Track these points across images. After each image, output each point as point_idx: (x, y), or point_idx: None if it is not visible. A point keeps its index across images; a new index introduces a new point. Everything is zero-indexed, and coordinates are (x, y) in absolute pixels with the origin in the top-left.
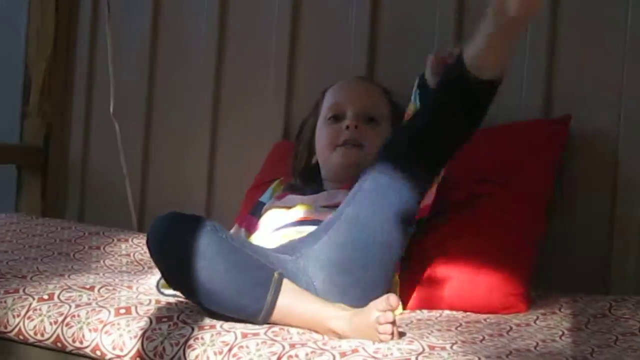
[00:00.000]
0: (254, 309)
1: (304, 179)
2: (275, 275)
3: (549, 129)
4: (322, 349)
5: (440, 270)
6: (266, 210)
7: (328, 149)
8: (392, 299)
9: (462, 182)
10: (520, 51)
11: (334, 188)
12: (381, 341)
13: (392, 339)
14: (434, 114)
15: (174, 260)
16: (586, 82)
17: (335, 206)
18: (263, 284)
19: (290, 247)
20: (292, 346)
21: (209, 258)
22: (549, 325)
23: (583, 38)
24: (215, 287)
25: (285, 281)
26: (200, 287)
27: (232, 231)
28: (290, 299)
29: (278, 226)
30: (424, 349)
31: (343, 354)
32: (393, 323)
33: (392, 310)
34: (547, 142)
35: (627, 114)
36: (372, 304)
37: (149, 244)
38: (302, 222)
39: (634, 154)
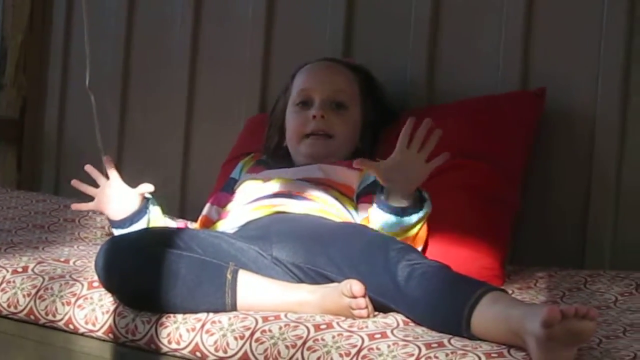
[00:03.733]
0: (218, 311)
1: (275, 159)
2: (229, 276)
3: (524, 101)
4: (296, 322)
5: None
6: (241, 182)
7: (296, 138)
8: (355, 286)
9: (436, 154)
10: (497, 25)
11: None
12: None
13: (368, 317)
14: None
15: (128, 287)
16: (563, 57)
17: (312, 180)
18: (218, 289)
19: (262, 234)
20: (265, 320)
21: (163, 280)
22: (524, 300)
23: (560, 13)
24: (176, 304)
25: (241, 277)
26: (163, 307)
27: (203, 212)
28: (251, 295)
29: (252, 198)
30: (398, 324)
31: (317, 327)
32: (366, 306)
33: (359, 297)
34: (522, 114)
35: (603, 89)
36: (339, 288)
37: (97, 270)
38: (277, 195)
39: (610, 129)
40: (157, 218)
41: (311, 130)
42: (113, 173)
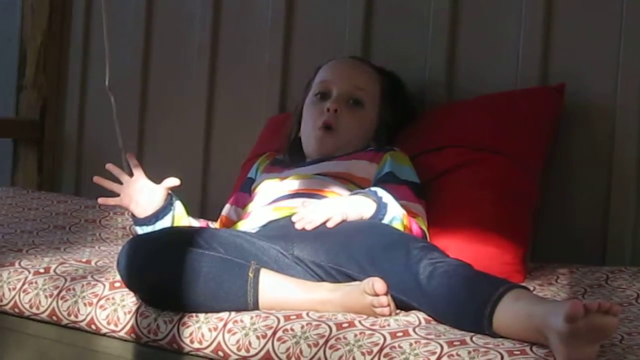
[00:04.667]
0: (240, 310)
1: (291, 151)
2: (250, 275)
3: (544, 97)
4: (318, 320)
5: (435, 240)
6: (260, 182)
7: (308, 129)
8: (378, 284)
9: (456, 149)
10: (517, 21)
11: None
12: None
13: (390, 315)
14: None
15: (150, 286)
16: (583, 52)
17: (330, 174)
18: (240, 288)
19: (284, 234)
20: (287, 318)
21: (185, 279)
22: (546, 296)
23: (580, 8)
24: (198, 303)
25: (263, 276)
26: (185, 306)
27: (223, 212)
28: (272, 294)
29: (272, 199)
30: (420, 322)
31: (339, 326)
32: (389, 304)
33: (381, 295)
34: (542, 109)
35: (623, 83)
36: (361, 286)
37: (119, 270)
38: (295, 195)
39: (631, 124)
40: (181, 215)
41: (322, 122)
42: (137, 169)
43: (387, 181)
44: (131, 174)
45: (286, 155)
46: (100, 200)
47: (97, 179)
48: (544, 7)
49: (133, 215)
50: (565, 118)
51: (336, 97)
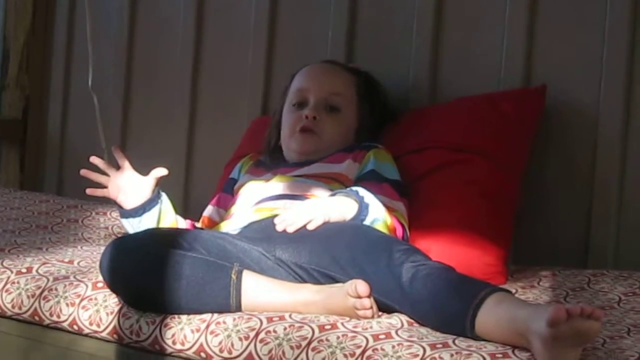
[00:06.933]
0: (222, 312)
1: (272, 158)
2: (233, 277)
3: (525, 98)
4: (300, 322)
5: (417, 241)
6: (243, 184)
7: (288, 135)
8: (361, 286)
9: (438, 150)
10: (500, 22)
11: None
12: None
13: (372, 317)
14: None
15: (132, 287)
16: (566, 54)
17: (311, 176)
18: (223, 290)
19: (266, 236)
20: (270, 320)
21: (167, 280)
22: (528, 299)
23: (563, 10)
24: (180, 305)
25: (245, 277)
26: (168, 308)
27: (205, 213)
28: (255, 296)
29: (255, 200)
30: (403, 324)
31: (322, 328)
32: (371, 306)
33: (364, 297)
34: (523, 111)
35: (606, 86)
36: (344, 288)
37: (102, 271)
38: (279, 197)
39: (613, 126)
40: (167, 210)
41: (301, 127)
42: (124, 161)
43: (369, 179)
44: (117, 168)
45: (267, 158)
46: (89, 190)
47: (84, 172)
48: (527, 10)
49: (120, 208)
50: (548, 120)
51: (313, 104)
